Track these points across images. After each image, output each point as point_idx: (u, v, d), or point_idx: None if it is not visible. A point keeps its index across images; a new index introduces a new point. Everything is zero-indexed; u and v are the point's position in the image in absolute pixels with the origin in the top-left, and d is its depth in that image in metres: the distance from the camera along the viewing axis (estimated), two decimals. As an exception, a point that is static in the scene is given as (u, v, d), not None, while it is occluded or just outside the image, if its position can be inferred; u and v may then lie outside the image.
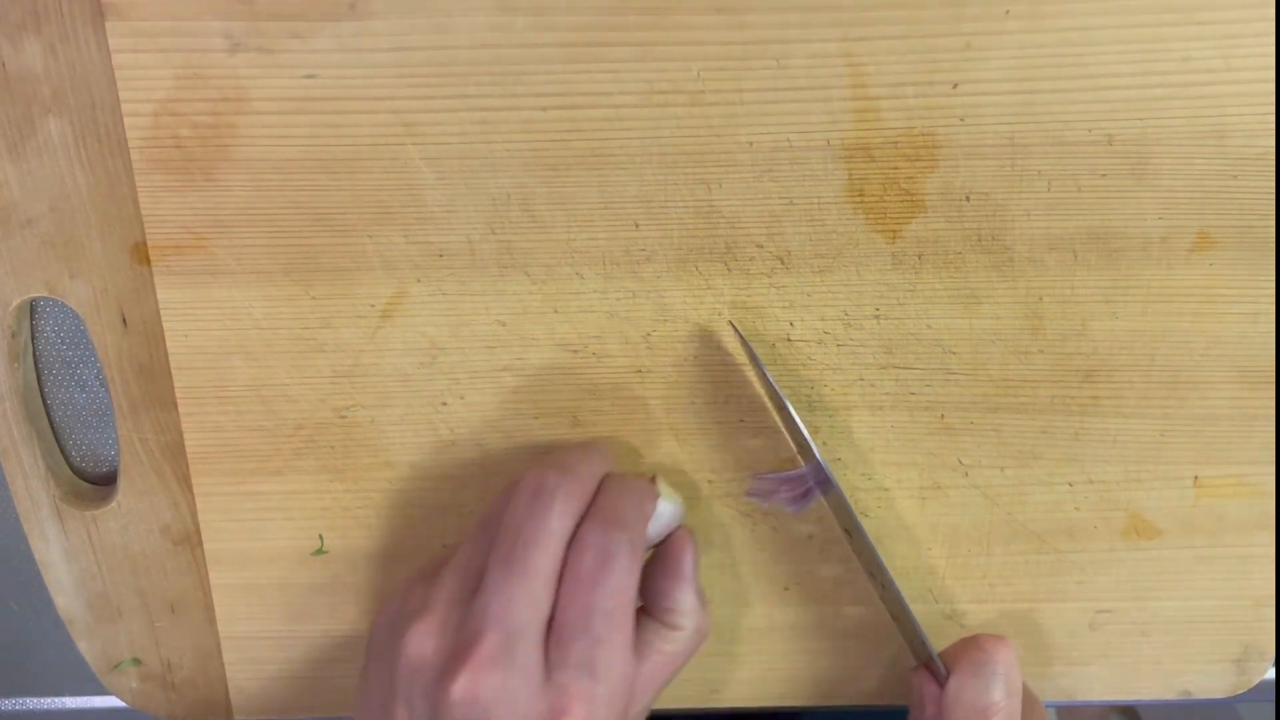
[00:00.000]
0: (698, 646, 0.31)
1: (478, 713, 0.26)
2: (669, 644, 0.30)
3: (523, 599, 0.27)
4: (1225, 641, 0.36)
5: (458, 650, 0.27)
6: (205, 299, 0.33)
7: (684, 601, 0.31)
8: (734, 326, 0.32)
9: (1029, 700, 0.33)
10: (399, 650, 0.28)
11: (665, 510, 0.31)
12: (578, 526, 0.29)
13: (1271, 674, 0.38)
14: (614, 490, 0.30)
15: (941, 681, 0.32)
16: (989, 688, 0.31)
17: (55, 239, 0.32)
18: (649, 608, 0.31)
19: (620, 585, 0.28)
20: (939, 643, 0.37)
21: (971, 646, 0.32)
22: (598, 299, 0.32)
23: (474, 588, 0.28)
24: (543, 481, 0.29)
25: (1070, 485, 0.34)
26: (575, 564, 0.28)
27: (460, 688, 0.26)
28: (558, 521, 0.28)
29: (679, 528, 0.32)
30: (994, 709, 0.31)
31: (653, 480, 0.31)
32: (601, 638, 0.27)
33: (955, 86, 0.30)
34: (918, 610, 0.36)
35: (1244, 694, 0.37)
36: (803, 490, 0.33)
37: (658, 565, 0.31)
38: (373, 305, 0.33)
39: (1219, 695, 0.37)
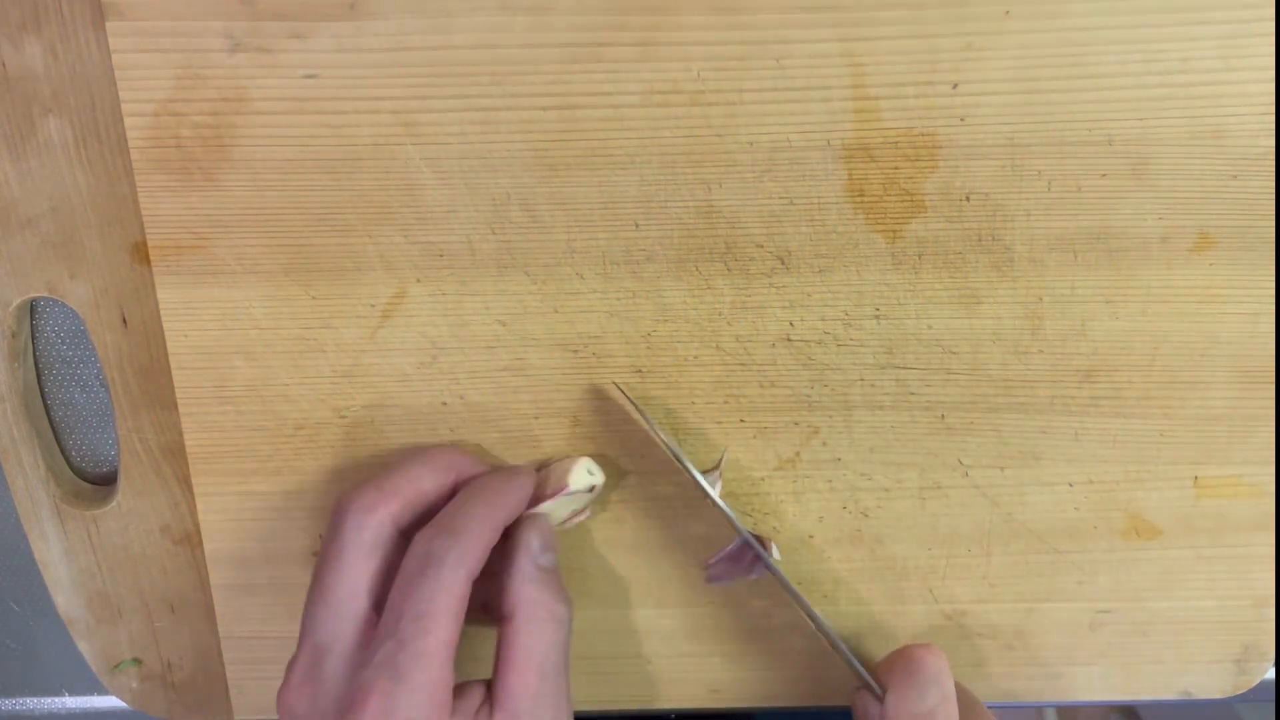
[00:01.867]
0: (559, 638, 0.30)
1: None
2: (516, 635, 0.29)
3: (323, 617, 0.28)
4: (1225, 641, 0.36)
5: (284, 678, 0.29)
6: (205, 299, 0.33)
7: (511, 590, 0.30)
8: (619, 387, 0.33)
9: (967, 702, 0.33)
10: None
11: (577, 495, 0.32)
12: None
13: (1271, 674, 0.38)
14: (462, 496, 0.30)
15: (880, 698, 0.32)
16: (923, 696, 0.31)
17: (55, 239, 0.32)
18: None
19: (436, 590, 0.27)
20: (940, 643, 0.37)
21: (901, 658, 0.32)
22: (598, 299, 0.32)
23: None
24: (339, 502, 0.30)
25: (1070, 485, 0.34)
26: (401, 570, 0.28)
27: (283, 710, 0.28)
28: (353, 535, 0.29)
29: (528, 514, 0.32)
30: (930, 716, 0.31)
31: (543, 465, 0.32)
32: (407, 641, 0.27)
33: (955, 86, 0.30)
34: (918, 610, 0.36)
35: (1244, 694, 0.37)
36: (751, 558, 0.33)
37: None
38: (373, 305, 0.33)
39: (1219, 695, 0.37)
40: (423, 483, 0.30)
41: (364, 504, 0.29)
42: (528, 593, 0.30)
